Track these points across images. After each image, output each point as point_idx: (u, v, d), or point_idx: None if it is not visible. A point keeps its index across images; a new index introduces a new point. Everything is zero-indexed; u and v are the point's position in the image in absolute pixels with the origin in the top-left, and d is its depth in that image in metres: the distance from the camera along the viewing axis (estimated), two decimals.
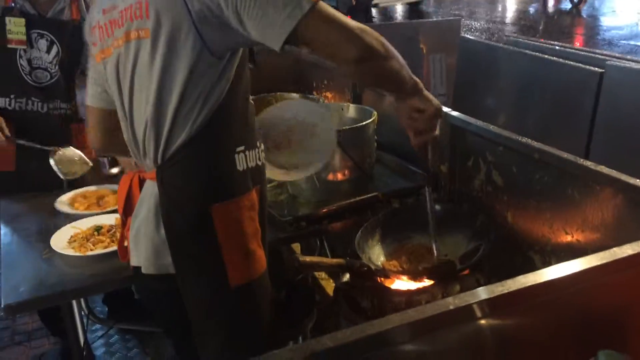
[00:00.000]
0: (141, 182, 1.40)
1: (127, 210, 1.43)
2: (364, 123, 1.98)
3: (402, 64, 1.25)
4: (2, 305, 1.50)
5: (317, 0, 1.12)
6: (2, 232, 1.89)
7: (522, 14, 11.66)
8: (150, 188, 1.35)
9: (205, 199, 1.28)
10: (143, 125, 1.31)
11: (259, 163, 1.38)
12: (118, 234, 1.77)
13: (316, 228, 1.86)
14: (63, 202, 2.05)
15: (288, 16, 1.10)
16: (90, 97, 1.50)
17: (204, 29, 1.18)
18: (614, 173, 1.33)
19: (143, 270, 1.37)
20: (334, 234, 2.11)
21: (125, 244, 1.46)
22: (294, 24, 1.10)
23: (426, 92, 1.35)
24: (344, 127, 1.95)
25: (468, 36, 3.54)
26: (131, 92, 1.32)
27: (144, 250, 1.36)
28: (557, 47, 2.93)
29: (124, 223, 1.46)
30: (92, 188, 2.17)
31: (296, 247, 2.65)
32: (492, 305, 0.88)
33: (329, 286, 2.58)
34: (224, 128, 1.29)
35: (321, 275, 2.69)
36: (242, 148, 1.32)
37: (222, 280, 1.29)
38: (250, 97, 1.40)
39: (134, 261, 1.41)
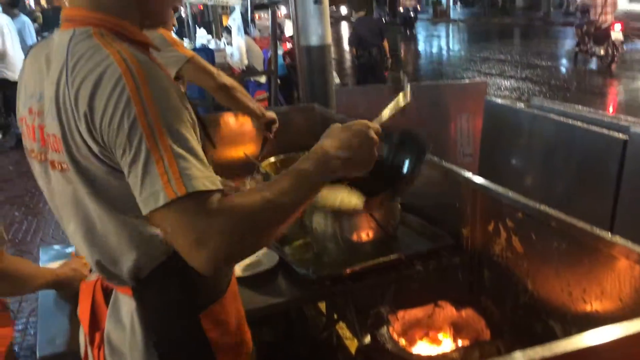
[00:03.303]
0: (105, 292, 1.28)
1: (94, 326, 1.29)
2: None
3: (289, 210, 1.05)
4: (38, 357, 1.56)
5: (178, 197, 0.93)
6: None
7: (552, 73, 11.73)
8: (127, 305, 1.21)
9: (194, 310, 1.20)
10: (89, 261, 1.20)
11: None
12: None
13: (340, 288, 1.90)
14: None
15: (143, 200, 0.97)
16: None
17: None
18: (629, 244, 1.34)
19: None
20: (359, 293, 2.14)
21: None
22: (146, 212, 0.97)
23: (331, 150, 1.14)
24: None
25: (494, 99, 3.61)
26: (60, 217, 1.20)
27: None
28: (581, 112, 2.97)
29: (92, 341, 1.29)
30: None
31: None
32: None
33: (353, 346, 2.58)
34: None
35: (345, 334, 2.69)
36: None
37: None
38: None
39: None
